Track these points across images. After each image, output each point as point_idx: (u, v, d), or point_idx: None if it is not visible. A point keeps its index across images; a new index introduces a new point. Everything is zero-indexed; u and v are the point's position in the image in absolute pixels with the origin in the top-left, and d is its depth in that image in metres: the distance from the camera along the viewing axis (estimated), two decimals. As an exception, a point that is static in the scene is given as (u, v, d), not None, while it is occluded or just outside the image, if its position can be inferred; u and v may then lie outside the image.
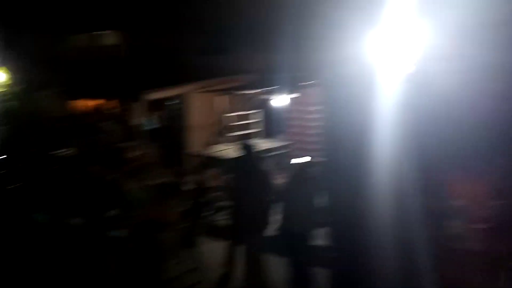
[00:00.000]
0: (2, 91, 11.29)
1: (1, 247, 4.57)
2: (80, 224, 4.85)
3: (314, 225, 4.39)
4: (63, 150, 9.94)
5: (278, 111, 9.28)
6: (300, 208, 4.31)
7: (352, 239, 3.14)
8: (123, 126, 11.55)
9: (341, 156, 3.22)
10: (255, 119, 10.69)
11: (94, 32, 13.91)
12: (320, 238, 4.39)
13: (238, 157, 5.09)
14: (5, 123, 12.00)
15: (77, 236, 4.69)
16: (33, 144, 10.29)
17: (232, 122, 10.21)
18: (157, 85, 9.25)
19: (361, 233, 3.07)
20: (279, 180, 5.61)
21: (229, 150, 8.50)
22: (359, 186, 3.10)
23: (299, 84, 8.19)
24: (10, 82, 11.53)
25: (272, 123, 9.96)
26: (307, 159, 4.81)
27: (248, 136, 9.65)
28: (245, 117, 10.58)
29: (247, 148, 4.96)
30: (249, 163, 4.90)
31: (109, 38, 13.70)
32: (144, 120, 10.43)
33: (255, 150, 5.69)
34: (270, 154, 8.59)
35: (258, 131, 10.61)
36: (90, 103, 13.58)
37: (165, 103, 11.23)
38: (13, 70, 11.70)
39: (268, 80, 8.35)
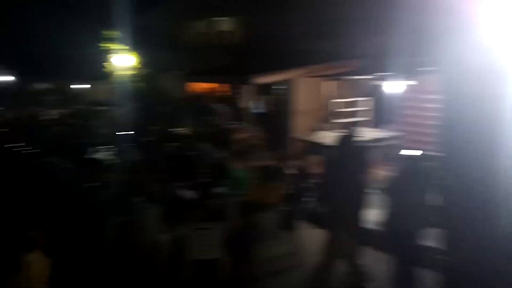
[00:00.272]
0: (131, 74, 12.66)
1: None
2: (192, 197, 5.25)
3: (424, 224, 4.06)
4: (181, 129, 10.86)
5: (390, 99, 8.70)
6: (410, 205, 4.00)
7: (471, 243, 2.82)
8: (233, 109, 12.14)
9: (463, 152, 2.89)
10: (364, 106, 10.25)
11: (213, 18, 14.70)
12: (430, 238, 4.06)
13: (341, 144, 4.88)
14: (133, 102, 13.54)
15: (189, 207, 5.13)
16: (156, 122, 11.44)
17: (339, 109, 9.95)
18: (266, 70, 9.43)
19: (483, 238, 2.74)
20: (386, 172, 5.32)
21: (333, 137, 8.31)
22: (482, 187, 2.75)
23: (416, 70, 7.56)
24: (138, 65, 12.87)
25: (383, 112, 9.41)
26: (419, 152, 4.44)
27: (355, 124, 9.29)
28: (353, 104, 10.22)
29: (351, 136, 4.76)
30: (352, 152, 4.70)
31: (226, 24, 14.37)
32: (252, 104, 10.77)
33: (361, 139, 5.47)
34: (377, 144, 8.16)
35: (367, 120, 10.17)
36: (205, 85, 14.53)
37: (273, 88, 11.43)
38: (141, 54, 12.98)
39: (381, 66, 7.86)
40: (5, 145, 8.06)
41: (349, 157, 4.52)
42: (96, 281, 4.43)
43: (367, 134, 8.21)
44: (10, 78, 22.21)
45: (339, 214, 4.28)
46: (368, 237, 4.69)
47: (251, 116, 10.23)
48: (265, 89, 11.56)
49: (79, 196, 6.48)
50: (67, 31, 20.98)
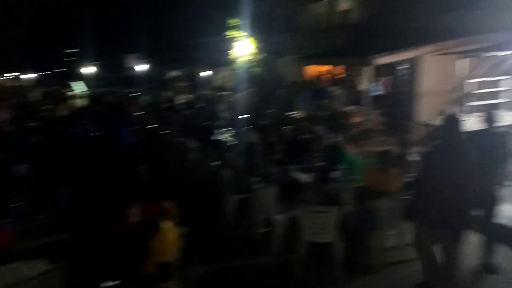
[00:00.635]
0: (251, 59, 13.16)
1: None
2: (307, 180, 5.29)
3: None
4: (296, 112, 10.97)
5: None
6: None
7: None
8: (351, 92, 11.74)
9: None
10: (503, 86, 8.93)
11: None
12: None
13: (477, 130, 4.29)
14: (252, 87, 14.10)
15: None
16: (273, 106, 11.75)
17: (474, 90, 8.83)
18: (388, 49, 8.83)
19: None
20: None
21: (468, 122, 7.43)
22: None
23: None
24: (257, 50, 13.31)
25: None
26: None
27: (493, 106, 8.16)
28: (491, 84, 8.97)
29: (489, 120, 4.15)
30: (489, 138, 4.10)
31: (343, 3, 13.85)
32: (372, 86, 10.24)
33: (499, 124, 4.77)
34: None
35: (507, 102, 8.85)
36: (323, 68, 14.31)
37: (394, 68, 10.69)
38: (259, 39, 13.36)
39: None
40: (143, 126, 9.20)
41: (453, 144, 3.76)
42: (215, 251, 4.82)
43: (508, 118, 7.14)
44: (146, 66, 25.14)
45: (432, 208, 3.73)
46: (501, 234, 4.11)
47: (370, 99, 9.73)
48: (386, 70, 10.88)
49: (204, 173, 7.08)
50: (195, 22, 22.72)
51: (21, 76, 31.43)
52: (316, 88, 12.85)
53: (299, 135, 6.87)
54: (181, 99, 16.40)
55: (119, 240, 3.80)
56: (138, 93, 18.99)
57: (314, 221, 4.20)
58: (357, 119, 9.39)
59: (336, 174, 5.08)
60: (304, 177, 5.40)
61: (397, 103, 9.95)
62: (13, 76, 32.05)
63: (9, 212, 4.28)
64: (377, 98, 10.65)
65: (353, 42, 11.98)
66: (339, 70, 14.46)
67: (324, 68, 14.79)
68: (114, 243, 3.83)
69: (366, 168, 5.64)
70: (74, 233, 4.16)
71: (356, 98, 11.02)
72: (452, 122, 3.84)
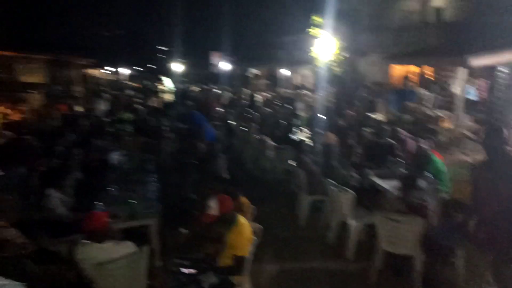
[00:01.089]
0: (333, 58, 12.84)
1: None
2: (389, 186, 5.05)
3: None
4: (379, 114, 10.52)
5: None
6: None
7: None
8: (441, 94, 10.94)
9: None
10: None
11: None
12: None
13: (488, 141, 3.54)
14: (333, 86, 13.82)
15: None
16: (354, 106, 11.41)
17: None
18: (486, 50, 8.03)
19: None
20: None
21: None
22: None
23: None
24: (338, 49, 12.93)
25: None
26: None
27: None
28: None
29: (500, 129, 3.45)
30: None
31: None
32: (466, 89, 9.42)
33: None
34: None
35: None
36: (409, 68, 13.53)
37: (491, 71, 9.72)
38: (342, 37, 12.95)
39: None
40: (223, 122, 9.51)
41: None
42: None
43: None
44: (229, 64, 25.95)
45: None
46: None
47: (462, 104, 8.97)
48: (482, 72, 9.94)
49: (280, 172, 7.13)
50: (277, 20, 22.90)
51: (118, 71, 34.44)
52: (401, 89, 12.19)
53: (381, 138, 6.56)
54: (261, 97, 16.69)
55: (199, 230, 3.98)
56: (220, 90, 19.75)
57: (394, 230, 3.98)
58: (446, 125, 8.73)
59: (421, 182, 4.76)
60: (384, 183, 5.15)
61: (493, 109, 9.03)
62: (110, 71, 35.25)
63: (102, 196, 4.73)
64: (470, 103, 9.79)
65: (447, 41, 11.12)
66: (428, 71, 13.56)
67: (412, 68, 13.97)
68: (194, 232, 4.03)
69: (456, 178, 5.22)
70: (160, 219, 4.46)
71: (446, 102, 10.25)
72: (496, 134, 3.33)
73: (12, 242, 3.26)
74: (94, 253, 3.19)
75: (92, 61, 24.15)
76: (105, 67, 32.62)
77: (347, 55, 14.44)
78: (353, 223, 4.72)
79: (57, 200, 4.56)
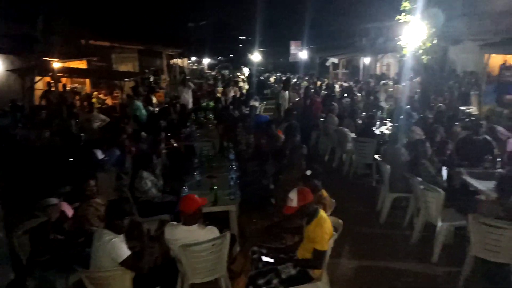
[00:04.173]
0: (419, 45, 11.95)
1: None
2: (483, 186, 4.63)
3: None
4: (471, 108, 9.65)
5: None
6: None
7: None
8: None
9: None
10: None
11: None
12: None
13: None
14: (417, 76, 12.95)
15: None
16: (442, 98, 10.60)
17: None
18: None
19: None
20: None
21: None
22: None
23: None
24: (427, 36, 11.98)
25: None
26: None
27: None
28: None
29: None
30: None
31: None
32: None
33: None
34: None
35: None
36: (509, 58, 12.17)
37: None
38: (432, 23, 11.97)
39: None
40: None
41: None
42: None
43: None
44: (308, 53, 25.56)
45: None
46: None
47: None
48: None
49: (361, 166, 6.91)
50: (362, 6, 21.87)
51: (200, 60, 35.89)
52: (499, 81, 11.03)
53: (476, 134, 5.99)
54: (340, 86, 16.24)
55: (279, 220, 4.02)
56: (297, 80, 19.62)
57: (490, 236, 3.63)
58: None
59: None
60: (478, 184, 4.71)
61: None
62: (192, 61, 36.83)
63: (188, 181, 4.99)
64: None
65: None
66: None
67: (511, 58, 12.54)
68: (274, 222, 4.08)
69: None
70: (241, 206, 4.59)
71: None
72: None
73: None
74: (181, 235, 3.38)
75: (177, 50, 25.42)
76: (189, 57, 34.14)
77: (437, 42, 13.37)
78: (441, 225, 4.40)
79: (149, 182, 4.92)
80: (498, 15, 12.74)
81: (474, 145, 5.88)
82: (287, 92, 10.66)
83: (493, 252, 3.70)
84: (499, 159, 5.41)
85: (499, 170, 5.12)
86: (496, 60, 12.92)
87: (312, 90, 12.63)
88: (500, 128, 6.74)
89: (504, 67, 12.18)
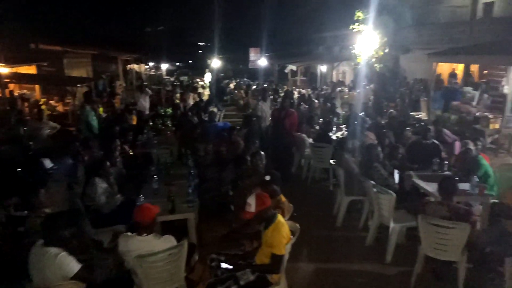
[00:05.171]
0: (371, 54, 12.44)
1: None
2: (431, 188, 4.85)
3: None
4: (420, 113, 10.09)
5: None
6: None
7: None
8: (489, 94, 10.37)
9: None
10: None
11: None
12: None
13: None
14: (371, 83, 13.47)
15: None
16: (393, 104, 11.06)
17: None
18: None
19: None
20: None
21: None
22: None
23: None
24: (379, 45, 12.52)
25: None
26: None
27: None
28: None
29: None
30: None
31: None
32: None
33: None
34: None
35: None
36: (455, 66, 12.94)
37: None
38: (383, 33, 12.50)
39: None
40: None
41: None
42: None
43: None
44: (266, 60, 25.86)
45: None
46: None
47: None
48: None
49: (317, 170, 6.98)
50: (318, 16, 22.51)
51: (158, 66, 35.29)
52: (446, 87, 11.70)
53: (425, 139, 6.30)
54: (298, 93, 16.53)
55: (236, 226, 4.01)
56: (256, 86, 19.75)
57: (438, 236, 3.82)
58: (495, 126, 8.28)
59: (468, 186, 4.55)
60: (427, 186, 4.95)
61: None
62: (150, 67, 36.16)
63: (144, 189, 4.85)
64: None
65: (499, 38, 10.50)
66: (476, 69, 12.92)
67: (458, 66, 13.36)
68: (232, 229, 4.06)
69: (504, 183, 4.93)
70: (198, 214, 4.52)
71: (496, 102, 9.71)
72: None
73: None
74: (136, 246, 3.28)
75: (134, 56, 24.87)
76: (146, 62, 33.52)
77: (390, 52, 14.01)
78: (393, 226, 4.58)
79: (99, 189, 4.73)
80: (444, 26, 13.57)
81: (423, 149, 6.17)
82: (266, 103, 9.46)
83: (441, 251, 3.89)
84: (446, 162, 5.71)
85: (447, 172, 5.41)
86: (445, 68, 13.72)
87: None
88: (447, 131, 7.13)
89: (451, 74, 12.95)
